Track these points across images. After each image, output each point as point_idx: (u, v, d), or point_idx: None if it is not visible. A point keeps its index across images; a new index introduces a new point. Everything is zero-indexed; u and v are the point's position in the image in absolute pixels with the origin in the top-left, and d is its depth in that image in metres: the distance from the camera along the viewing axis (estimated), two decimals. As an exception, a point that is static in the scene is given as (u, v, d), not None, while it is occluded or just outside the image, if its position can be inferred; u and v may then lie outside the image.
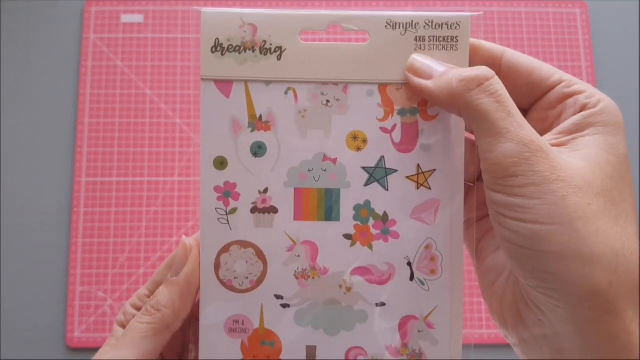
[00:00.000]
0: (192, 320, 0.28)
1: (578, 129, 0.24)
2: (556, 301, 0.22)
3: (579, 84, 0.25)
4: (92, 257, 0.51)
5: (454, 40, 0.25)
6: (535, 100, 0.25)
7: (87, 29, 0.55)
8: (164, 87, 0.54)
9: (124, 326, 0.27)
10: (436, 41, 0.25)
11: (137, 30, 0.55)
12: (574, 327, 0.22)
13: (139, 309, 0.27)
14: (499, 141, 0.22)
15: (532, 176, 0.22)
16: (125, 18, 0.55)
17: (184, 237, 0.27)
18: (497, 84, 0.23)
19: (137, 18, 0.55)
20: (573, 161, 0.22)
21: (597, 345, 0.21)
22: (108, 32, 0.55)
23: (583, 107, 0.24)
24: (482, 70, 0.23)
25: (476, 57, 0.26)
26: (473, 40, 0.25)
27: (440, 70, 0.24)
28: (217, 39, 0.26)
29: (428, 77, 0.25)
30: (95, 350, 0.49)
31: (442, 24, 0.25)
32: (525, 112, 0.26)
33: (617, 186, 0.22)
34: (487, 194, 0.23)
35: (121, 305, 0.50)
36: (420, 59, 0.25)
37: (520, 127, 0.22)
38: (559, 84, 0.25)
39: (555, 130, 0.24)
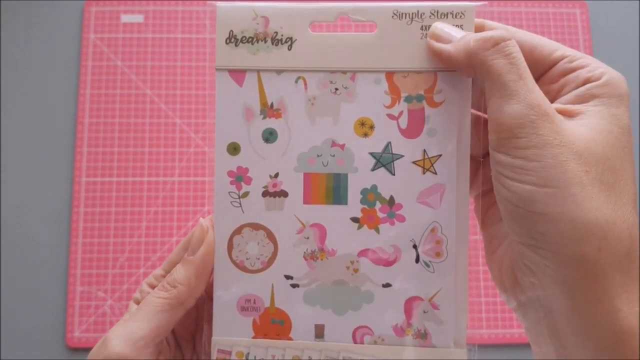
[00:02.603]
0: (205, 300, 0.29)
1: (581, 100, 0.24)
2: (547, 261, 0.23)
3: (583, 59, 0.25)
4: (92, 257, 0.51)
5: (459, 28, 0.26)
6: (539, 76, 0.26)
7: (87, 29, 0.55)
8: (164, 87, 0.54)
9: (139, 303, 0.28)
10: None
11: (137, 30, 0.56)
12: (562, 289, 0.23)
13: (153, 287, 0.29)
14: (507, 102, 0.23)
15: (534, 139, 0.22)
16: (125, 18, 0.56)
17: (201, 218, 0.28)
18: (513, 47, 0.24)
19: (137, 18, 0.56)
20: (577, 128, 0.23)
21: (582, 308, 0.22)
22: (108, 32, 0.55)
23: (586, 81, 0.25)
24: (500, 32, 0.24)
25: None
26: (477, 20, 0.26)
27: (458, 36, 0.25)
28: (231, 30, 0.27)
29: (447, 42, 0.26)
30: (95, 350, 0.50)
31: (447, 13, 0.27)
32: None
33: (618, 155, 0.23)
34: (491, 154, 0.24)
35: (121, 305, 0.50)
36: (441, 26, 0.26)
37: (530, 90, 0.23)
38: (562, 59, 0.25)
39: (557, 102, 0.25)
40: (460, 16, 0.26)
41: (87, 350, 0.50)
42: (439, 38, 0.26)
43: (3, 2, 0.57)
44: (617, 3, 0.58)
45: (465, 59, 0.24)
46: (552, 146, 0.22)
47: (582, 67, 0.25)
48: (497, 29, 0.25)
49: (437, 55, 0.26)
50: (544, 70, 0.26)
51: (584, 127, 0.23)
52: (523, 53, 0.25)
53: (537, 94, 0.23)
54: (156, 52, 0.55)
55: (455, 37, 0.26)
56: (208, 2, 0.28)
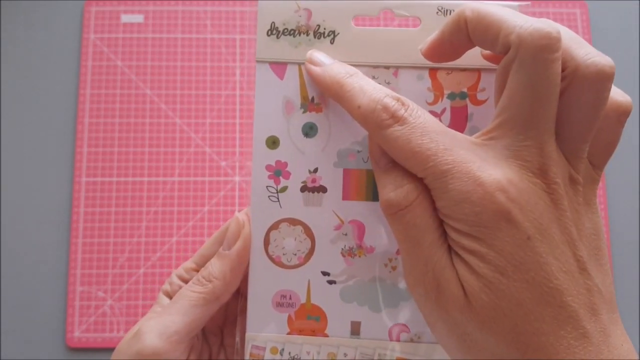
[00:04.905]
0: (239, 296, 0.29)
1: None
2: None
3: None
4: (92, 257, 0.51)
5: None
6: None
7: (87, 29, 0.55)
8: (164, 87, 0.54)
9: (169, 295, 0.28)
10: None
11: (137, 30, 0.56)
12: None
13: (184, 280, 0.28)
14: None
15: None
16: (125, 18, 0.56)
17: (236, 212, 0.28)
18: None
19: (137, 18, 0.56)
20: None
21: None
22: (108, 32, 0.55)
23: None
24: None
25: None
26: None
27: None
28: (273, 22, 0.27)
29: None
30: (95, 350, 0.50)
31: None
32: None
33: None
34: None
35: (121, 305, 0.50)
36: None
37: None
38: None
39: None
40: None
41: (87, 350, 0.50)
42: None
43: (3, 2, 0.57)
44: (617, 3, 0.58)
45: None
46: None
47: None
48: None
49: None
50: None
51: None
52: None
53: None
54: (156, 52, 0.55)
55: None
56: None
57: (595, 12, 0.57)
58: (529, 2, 0.27)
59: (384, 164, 0.24)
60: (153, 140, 0.53)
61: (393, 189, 0.23)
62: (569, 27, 0.57)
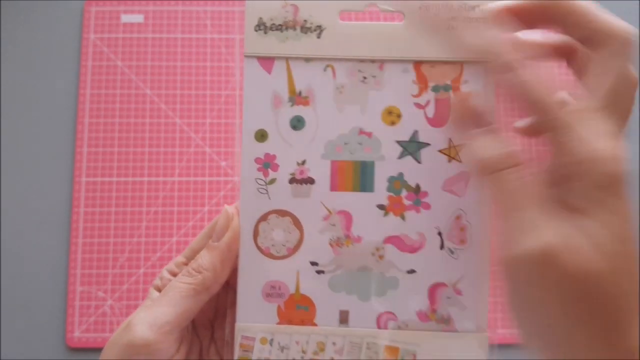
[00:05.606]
0: (228, 288, 0.29)
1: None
2: None
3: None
4: (92, 257, 0.51)
5: (484, 22, 0.27)
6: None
7: (87, 29, 0.56)
8: (164, 87, 0.55)
9: (159, 290, 0.29)
10: (467, 22, 0.27)
11: (137, 30, 0.56)
12: None
13: (174, 274, 0.29)
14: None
15: None
16: (125, 18, 0.56)
17: (226, 205, 0.28)
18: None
19: (137, 18, 0.56)
20: None
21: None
22: (108, 32, 0.56)
23: None
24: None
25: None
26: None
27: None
28: (261, 17, 0.28)
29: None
30: (95, 350, 0.50)
31: (474, 7, 0.27)
32: None
33: None
34: None
35: (121, 305, 0.51)
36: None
37: None
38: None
39: None
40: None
41: (87, 350, 0.50)
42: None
43: (3, 2, 0.57)
44: (617, 3, 0.58)
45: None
46: None
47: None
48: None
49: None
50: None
51: None
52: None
53: None
54: (156, 52, 0.56)
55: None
56: None
57: (595, 12, 0.57)
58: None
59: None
60: (153, 140, 0.54)
61: (497, 148, 0.24)
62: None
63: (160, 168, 0.53)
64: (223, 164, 0.53)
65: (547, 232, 0.22)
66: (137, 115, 0.54)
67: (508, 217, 0.23)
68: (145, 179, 0.53)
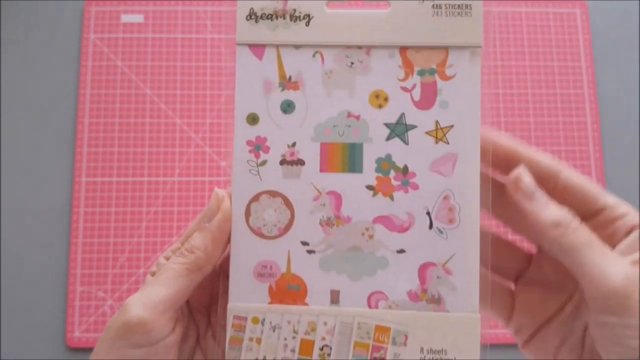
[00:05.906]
0: (222, 274, 0.30)
1: (634, 248, 0.27)
2: None
3: (622, 207, 0.28)
4: (92, 257, 0.52)
5: (468, 7, 0.28)
6: (586, 219, 0.28)
7: (87, 29, 0.56)
8: (164, 87, 0.55)
9: None
10: (451, 8, 0.28)
11: (137, 30, 0.56)
12: None
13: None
14: (607, 271, 0.26)
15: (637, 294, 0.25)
16: (125, 18, 0.56)
17: (216, 188, 0.29)
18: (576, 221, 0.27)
19: (137, 18, 0.56)
20: None
21: None
22: (108, 32, 0.56)
23: (633, 228, 0.27)
24: (560, 213, 0.27)
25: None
26: (487, 138, 0.29)
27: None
28: (252, 8, 0.29)
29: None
30: (95, 350, 0.50)
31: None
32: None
33: None
34: (597, 317, 0.26)
35: (121, 305, 0.51)
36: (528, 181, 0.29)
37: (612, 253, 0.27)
38: (606, 208, 0.28)
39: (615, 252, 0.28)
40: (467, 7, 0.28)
41: (87, 350, 0.50)
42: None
43: (3, 2, 0.57)
44: (617, 3, 0.58)
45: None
46: None
47: (624, 216, 0.28)
48: (558, 210, 0.27)
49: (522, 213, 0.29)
50: (589, 215, 0.28)
51: None
52: (573, 193, 0.28)
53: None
54: (156, 52, 0.56)
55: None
56: None
57: (595, 12, 0.58)
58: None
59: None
60: (153, 140, 0.54)
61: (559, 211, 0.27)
62: (569, 27, 0.57)
63: (160, 168, 0.53)
64: (223, 164, 0.54)
65: (623, 263, 0.25)
66: (137, 115, 0.54)
67: (587, 261, 0.26)
68: (145, 179, 0.53)
